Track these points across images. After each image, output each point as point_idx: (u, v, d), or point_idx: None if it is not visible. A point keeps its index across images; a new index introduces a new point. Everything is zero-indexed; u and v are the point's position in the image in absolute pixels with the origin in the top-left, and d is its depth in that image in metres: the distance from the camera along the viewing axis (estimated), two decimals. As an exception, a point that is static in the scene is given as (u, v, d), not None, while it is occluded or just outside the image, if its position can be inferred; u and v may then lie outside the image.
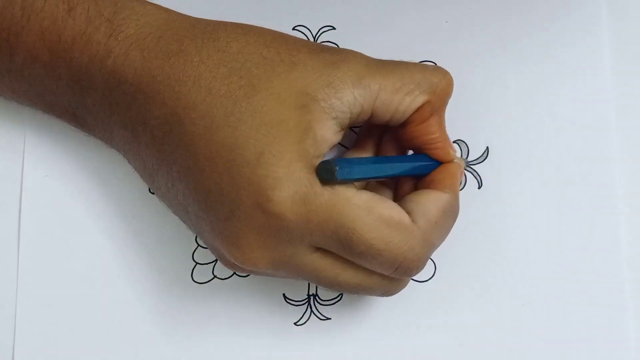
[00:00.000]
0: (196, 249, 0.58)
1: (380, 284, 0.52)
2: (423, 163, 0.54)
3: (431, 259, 0.57)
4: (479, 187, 0.58)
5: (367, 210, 0.49)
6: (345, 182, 0.49)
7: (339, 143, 0.56)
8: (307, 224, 0.48)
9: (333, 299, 0.57)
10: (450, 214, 0.52)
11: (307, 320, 0.57)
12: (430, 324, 0.56)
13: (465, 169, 0.58)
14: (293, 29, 0.61)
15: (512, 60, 0.59)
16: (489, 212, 0.57)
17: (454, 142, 0.58)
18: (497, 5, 0.60)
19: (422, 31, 0.60)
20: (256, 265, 0.50)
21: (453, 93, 0.58)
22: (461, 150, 0.58)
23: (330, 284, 0.51)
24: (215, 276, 0.58)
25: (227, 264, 0.52)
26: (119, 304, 0.58)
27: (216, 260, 0.58)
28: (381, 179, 0.55)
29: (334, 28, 0.60)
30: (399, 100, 0.51)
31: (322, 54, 0.51)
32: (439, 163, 0.54)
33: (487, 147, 0.58)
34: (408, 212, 0.51)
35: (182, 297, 0.58)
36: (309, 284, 0.57)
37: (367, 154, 0.55)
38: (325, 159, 0.50)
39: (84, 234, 0.59)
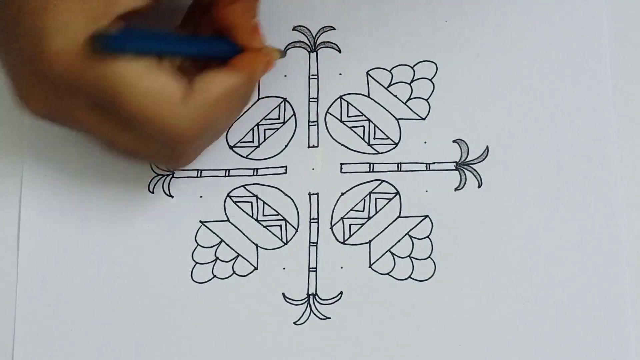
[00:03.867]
0: (196, 248, 0.58)
1: (158, 152, 0.53)
2: (224, 47, 0.55)
3: (431, 259, 0.57)
4: (479, 187, 0.58)
5: (137, 78, 0.50)
6: (119, 53, 0.50)
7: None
8: (78, 80, 0.50)
9: (333, 299, 0.57)
10: (237, 95, 0.54)
11: (307, 319, 0.57)
12: (430, 324, 0.56)
13: (465, 169, 0.58)
14: (293, 29, 0.61)
15: (512, 60, 0.59)
16: (489, 212, 0.57)
17: (454, 141, 0.58)
18: (497, 5, 0.60)
19: (422, 31, 0.60)
20: (37, 113, 0.52)
21: (452, 93, 0.59)
22: (461, 149, 0.58)
23: (110, 144, 0.53)
24: (214, 276, 0.58)
25: (20, 106, 0.54)
26: (119, 303, 0.58)
27: (216, 260, 0.58)
28: (187, 58, 0.55)
29: (334, 28, 0.61)
30: None
31: None
32: (240, 50, 0.55)
33: (487, 147, 0.58)
34: (191, 87, 0.52)
35: (182, 297, 0.58)
36: (308, 283, 0.57)
37: (185, 32, 0.57)
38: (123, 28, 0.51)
39: (83, 233, 0.59)
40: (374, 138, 0.59)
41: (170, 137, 0.52)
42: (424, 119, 0.59)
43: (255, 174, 0.59)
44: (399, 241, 0.57)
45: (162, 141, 0.52)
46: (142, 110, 0.50)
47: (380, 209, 0.58)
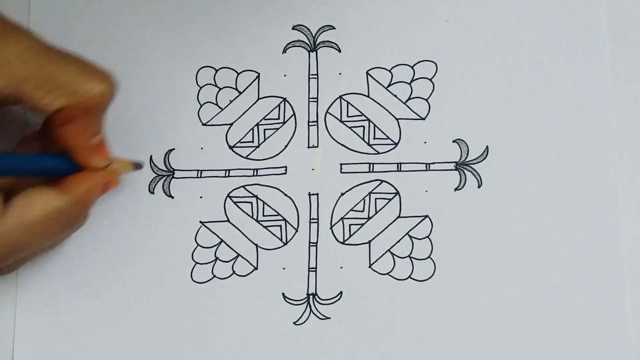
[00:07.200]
0: (196, 248, 0.58)
1: None
2: (60, 165, 0.54)
3: (431, 259, 0.57)
4: (479, 187, 0.58)
5: None
6: None
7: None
8: None
9: (333, 299, 0.57)
10: (61, 218, 0.52)
11: (307, 319, 0.57)
12: (430, 324, 0.56)
13: (465, 169, 0.58)
14: (293, 28, 0.61)
15: (512, 60, 0.59)
16: (489, 212, 0.57)
17: (454, 141, 0.58)
18: (497, 5, 0.60)
19: (422, 31, 0.60)
20: None
21: (452, 93, 0.58)
22: (461, 149, 0.58)
23: None
24: (214, 276, 0.58)
25: None
26: (119, 303, 0.58)
27: (216, 260, 0.58)
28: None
29: (334, 28, 0.61)
30: (40, 95, 0.51)
31: None
32: (79, 168, 0.54)
33: (487, 147, 0.58)
34: (10, 205, 0.51)
35: (182, 297, 0.58)
36: (308, 283, 0.57)
37: (31, 147, 0.55)
38: None
39: (84, 234, 0.59)
40: (374, 138, 0.59)
41: None
42: (424, 119, 0.59)
43: (255, 174, 0.59)
44: (398, 241, 0.57)
45: None
46: None
47: (380, 209, 0.58)
